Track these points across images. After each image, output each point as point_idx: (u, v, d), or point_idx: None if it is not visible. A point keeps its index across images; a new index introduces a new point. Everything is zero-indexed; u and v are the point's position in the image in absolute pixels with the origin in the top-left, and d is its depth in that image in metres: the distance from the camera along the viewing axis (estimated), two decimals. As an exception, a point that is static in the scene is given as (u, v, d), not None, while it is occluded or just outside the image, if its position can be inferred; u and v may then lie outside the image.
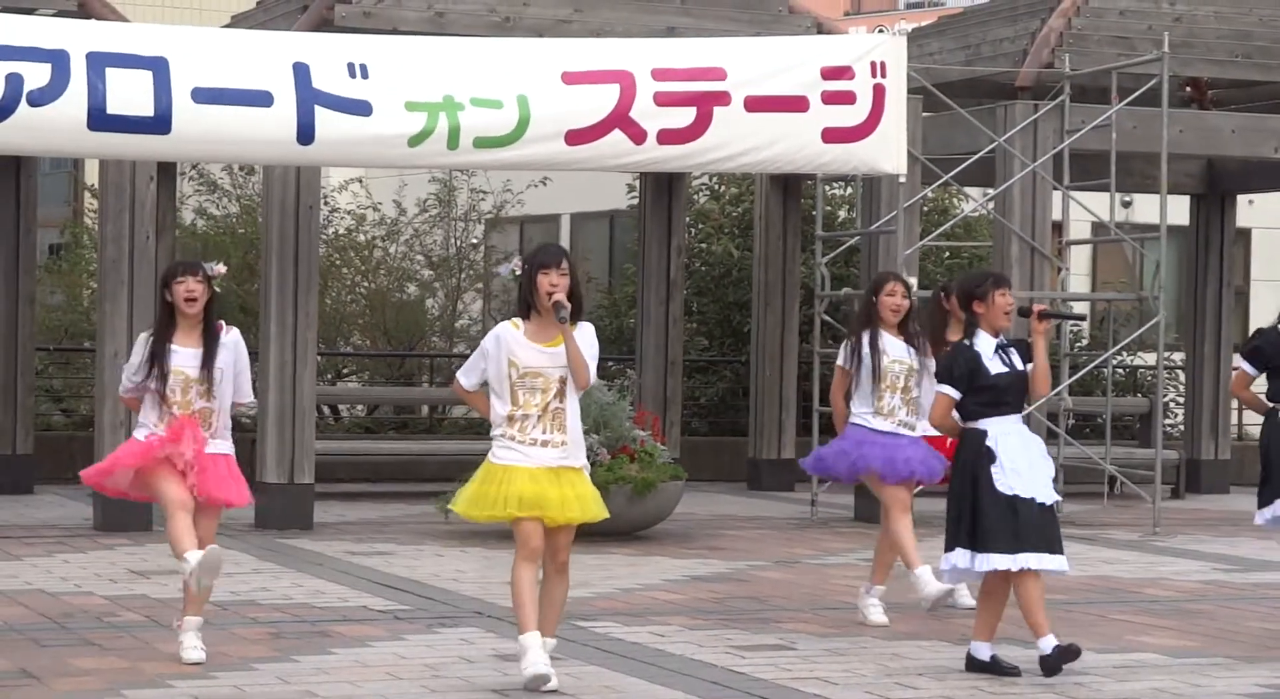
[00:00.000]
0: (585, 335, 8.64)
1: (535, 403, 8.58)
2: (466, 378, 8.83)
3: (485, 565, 13.41)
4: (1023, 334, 10.14)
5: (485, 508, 8.70)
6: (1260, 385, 10.88)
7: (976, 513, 9.27)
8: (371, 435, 21.83)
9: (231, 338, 9.48)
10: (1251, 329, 24.99)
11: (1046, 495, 9.32)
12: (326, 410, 21.38)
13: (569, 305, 8.46)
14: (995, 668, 9.35)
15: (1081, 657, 9.45)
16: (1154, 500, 16.87)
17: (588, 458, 8.94)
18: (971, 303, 9.58)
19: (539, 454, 8.59)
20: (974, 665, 9.43)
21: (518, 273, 8.70)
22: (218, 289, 9.53)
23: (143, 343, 9.42)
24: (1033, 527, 9.27)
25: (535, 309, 8.58)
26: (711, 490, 18.93)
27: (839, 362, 11.36)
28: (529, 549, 8.64)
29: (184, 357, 9.32)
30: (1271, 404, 10.75)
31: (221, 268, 9.64)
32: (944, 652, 9.98)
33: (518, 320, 8.67)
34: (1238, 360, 10.98)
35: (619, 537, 14.51)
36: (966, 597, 11.22)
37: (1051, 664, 9.35)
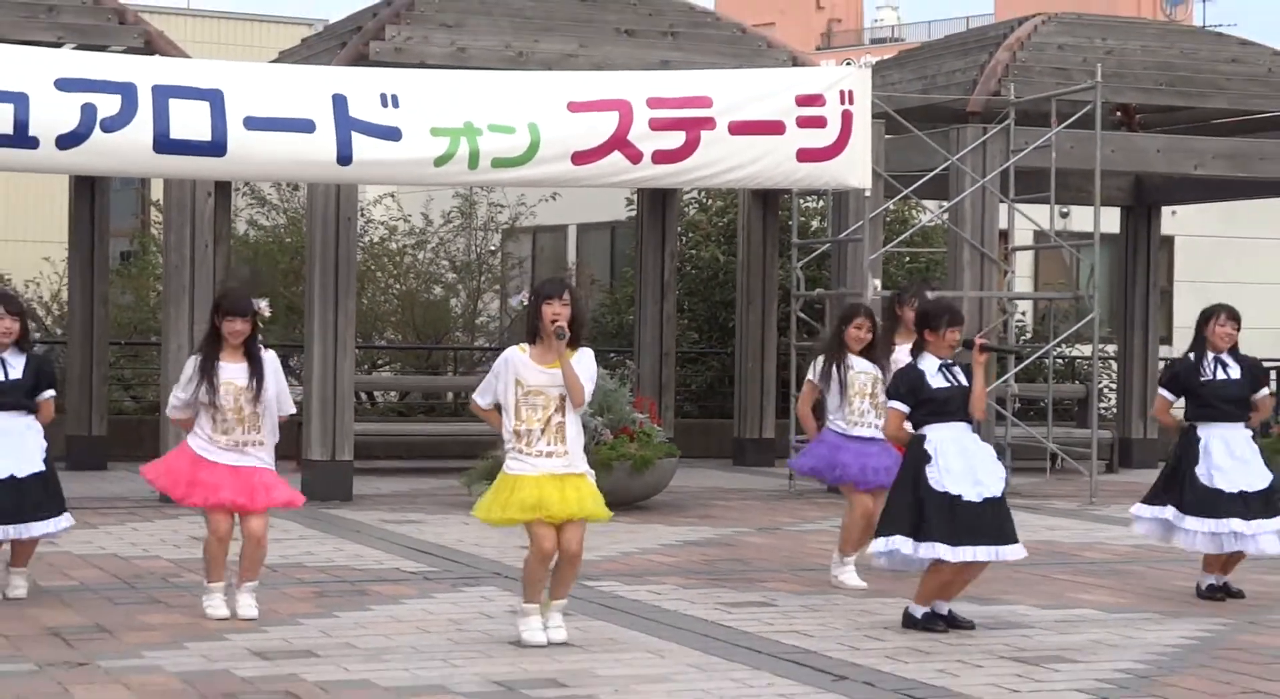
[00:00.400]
0: (584, 360, 8.72)
1: (537, 418, 8.65)
2: (482, 398, 8.87)
3: (503, 533, 13.36)
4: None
5: (497, 513, 8.77)
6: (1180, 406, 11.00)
7: (920, 507, 9.28)
8: (403, 418, 21.85)
9: (270, 361, 9.49)
10: (1174, 326, 25.18)
11: (976, 494, 9.28)
12: (364, 396, 21.37)
13: (569, 331, 8.54)
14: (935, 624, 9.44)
15: (1025, 613, 9.48)
16: (1090, 474, 16.90)
17: (594, 438, 8.98)
18: (924, 330, 9.61)
19: (544, 464, 8.65)
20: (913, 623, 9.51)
21: (525, 303, 8.76)
22: (260, 324, 9.58)
23: (192, 363, 9.44)
24: (969, 522, 9.26)
25: (540, 334, 8.63)
26: (701, 466, 18.93)
27: (809, 376, 11.46)
28: (542, 551, 8.71)
29: (231, 370, 9.36)
30: (1188, 422, 10.82)
31: (267, 310, 9.66)
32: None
33: (525, 345, 8.74)
34: (1160, 389, 11.09)
35: (620, 507, 14.42)
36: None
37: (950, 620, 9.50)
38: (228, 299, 9.67)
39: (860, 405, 11.13)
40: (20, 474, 9.61)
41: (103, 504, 14.62)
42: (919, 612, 9.47)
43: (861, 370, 11.12)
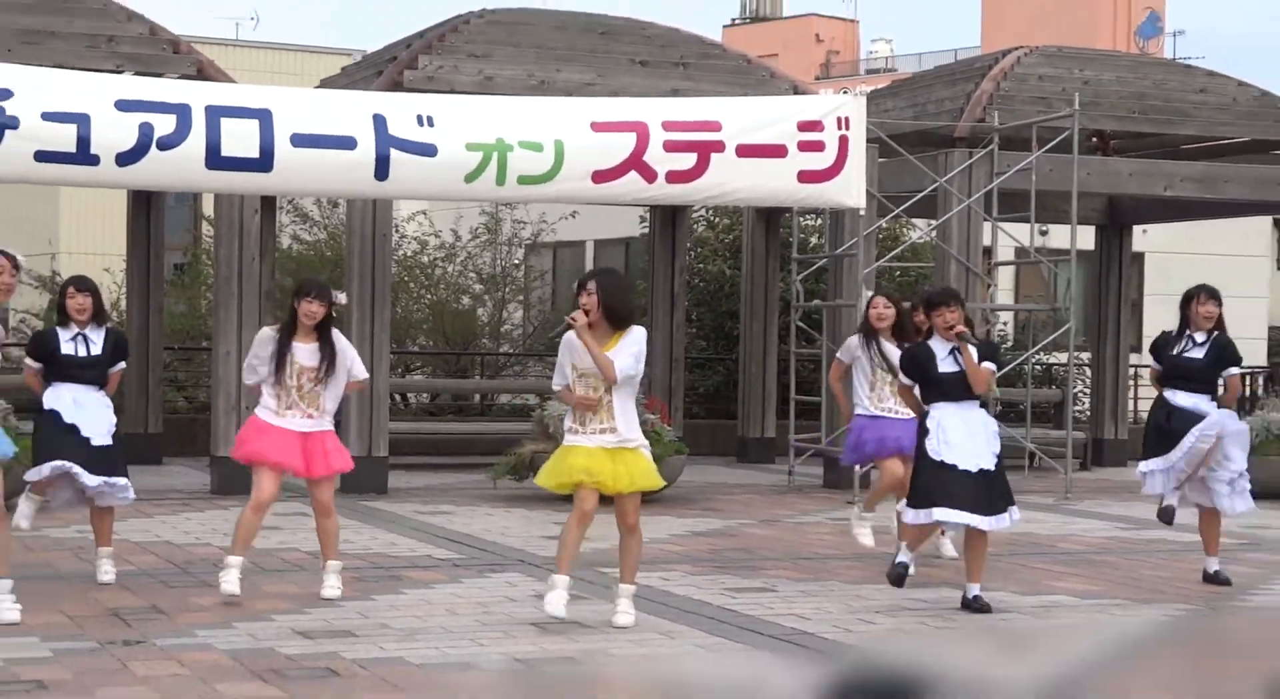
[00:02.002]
0: (628, 340, 8.63)
1: (592, 395, 8.64)
2: (556, 383, 8.88)
3: (526, 523, 13.45)
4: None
5: (553, 477, 8.81)
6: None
7: (938, 479, 9.36)
8: (434, 418, 21.88)
9: (340, 339, 9.57)
10: (1144, 336, 25.18)
11: (973, 464, 9.35)
12: (398, 398, 21.39)
13: (582, 317, 8.50)
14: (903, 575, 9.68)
15: (1004, 600, 9.52)
16: (1065, 472, 16.91)
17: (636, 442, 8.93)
18: (929, 312, 9.68)
19: (597, 439, 8.65)
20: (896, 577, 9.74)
21: (343, 301, 8.84)
22: (336, 313, 9.65)
23: (268, 339, 9.49)
24: (964, 488, 9.32)
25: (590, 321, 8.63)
26: (708, 463, 18.95)
27: (838, 354, 11.72)
28: (581, 511, 8.70)
29: (303, 352, 9.41)
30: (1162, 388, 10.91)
31: (343, 299, 9.74)
32: (898, 593, 10.01)
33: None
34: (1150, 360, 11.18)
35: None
36: (949, 548, 11.32)
37: (968, 605, 9.54)
38: (309, 282, 9.73)
39: (881, 391, 11.27)
40: (91, 443, 9.61)
41: (158, 496, 14.67)
42: (902, 557, 9.69)
43: (890, 354, 11.15)
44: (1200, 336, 10.73)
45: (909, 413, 10.74)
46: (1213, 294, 10.82)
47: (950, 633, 9.08)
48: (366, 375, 9.95)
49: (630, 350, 8.59)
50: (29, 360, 9.86)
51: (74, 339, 9.71)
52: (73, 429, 9.53)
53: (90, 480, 9.54)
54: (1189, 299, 10.81)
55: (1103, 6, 51.24)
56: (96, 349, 9.76)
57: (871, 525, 11.51)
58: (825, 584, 10.61)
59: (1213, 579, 10.80)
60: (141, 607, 9.17)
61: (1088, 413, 21.94)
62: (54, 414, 9.55)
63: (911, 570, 9.84)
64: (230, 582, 9.27)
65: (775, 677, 7.86)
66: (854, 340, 11.60)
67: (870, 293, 13.24)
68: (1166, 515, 10.87)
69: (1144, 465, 10.85)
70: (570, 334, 8.62)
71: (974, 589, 9.57)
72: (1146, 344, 12.89)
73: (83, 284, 10.03)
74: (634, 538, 8.87)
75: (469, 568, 11.02)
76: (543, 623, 8.85)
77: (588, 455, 8.63)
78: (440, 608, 9.41)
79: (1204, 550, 10.94)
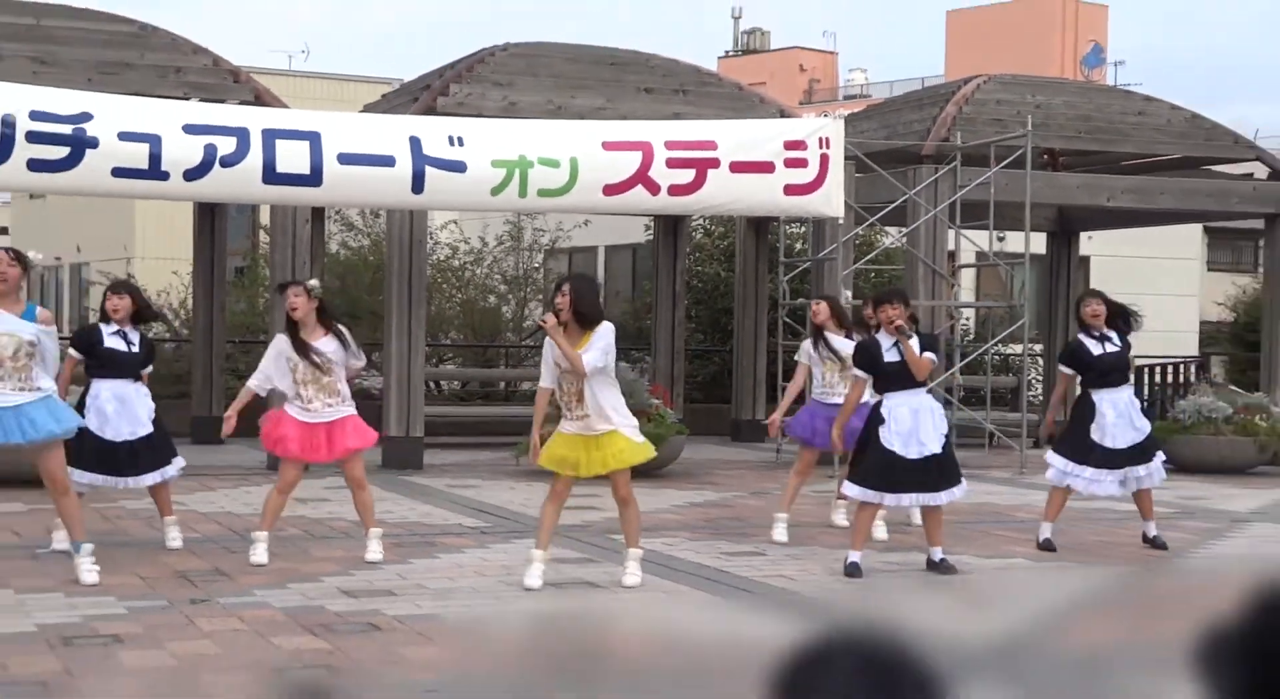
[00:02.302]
0: (597, 335, 8.49)
1: (573, 389, 8.55)
2: (543, 379, 8.77)
3: (544, 496, 13.43)
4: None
5: (545, 459, 8.75)
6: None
7: (875, 461, 9.30)
8: (464, 403, 21.88)
9: (329, 336, 9.45)
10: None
11: (918, 453, 9.27)
12: (432, 385, 21.37)
13: (552, 317, 8.41)
14: (856, 572, 9.37)
15: (968, 562, 9.47)
16: (1021, 450, 16.87)
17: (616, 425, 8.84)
18: (876, 309, 9.62)
19: (575, 426, 8.59)
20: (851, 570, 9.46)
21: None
22: (320, 298, 9.53)
23: (279, 353, 9.44)
24: (910, 474, 9.24)
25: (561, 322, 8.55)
26: (705, 442, 18.92)
27: (798, 358, 11.61)
28: (553, 492, 8.79)
29: (315, 346, 9.37)
30: (1083, 389, 10.80)
31: (314, 283, 9.68)
32: (870, 557, 9.99)
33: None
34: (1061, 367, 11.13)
35: (639, 475, 14.44)
36: (919, 517, 11.28)
37: (934, 567, 9.48)
38: (285, 281, 9.76)
39: (830, 378, 11.17)
40: (134, 437, 9.58)
41: (220, 471, 14.68)
42: (851, 558, 9.42)
43: (840, 347, 11.08)
44: (1112, 337, 10.66)
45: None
46: (1097, 295, 10.86)
47: (917, 589, 9.05)
48: (364, 361, 9.88)
49: (597, 347, 8.45)
50: (71, 351, 9.74)
51: (115, 334, 9.68)
52: (106, 442, 9.43)
53: (118, 484, 9.62)
54: (1079, 304, 10.84)
55: (1052, 39, 51.14)
56: (135, 346, 9.74)
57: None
58: (808, 548, 10.58)
59: (1151, 543, 10.77)
60: (206, 569, 9.17)
61: (1040, 397, 21.90)
62: (87, 427, 9.34)
63: (860, 567, 9.58)
64: (258, 554, 9.31)
65: (761, 626, 7.85)
66: (806, 344, 11.53)
67: (848, 293, 13.20)
68: (1049, 546, 10.67)
69: (1070, 468, 10.64)
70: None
71: (937, 553, 9.53)
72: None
73: (119, 287, 10.06)
74: (629, 508, 8.83)
75: (495, 535, 11.02)
76: (558, 583, 8.84)
77: (567, 445, 8.58)
78: (470, 570, 9.40)
79: (1141, 517, 10.90)
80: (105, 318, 9.76)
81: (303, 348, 9.32)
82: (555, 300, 8.58)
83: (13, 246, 8.64)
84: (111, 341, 9.64)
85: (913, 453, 9.21)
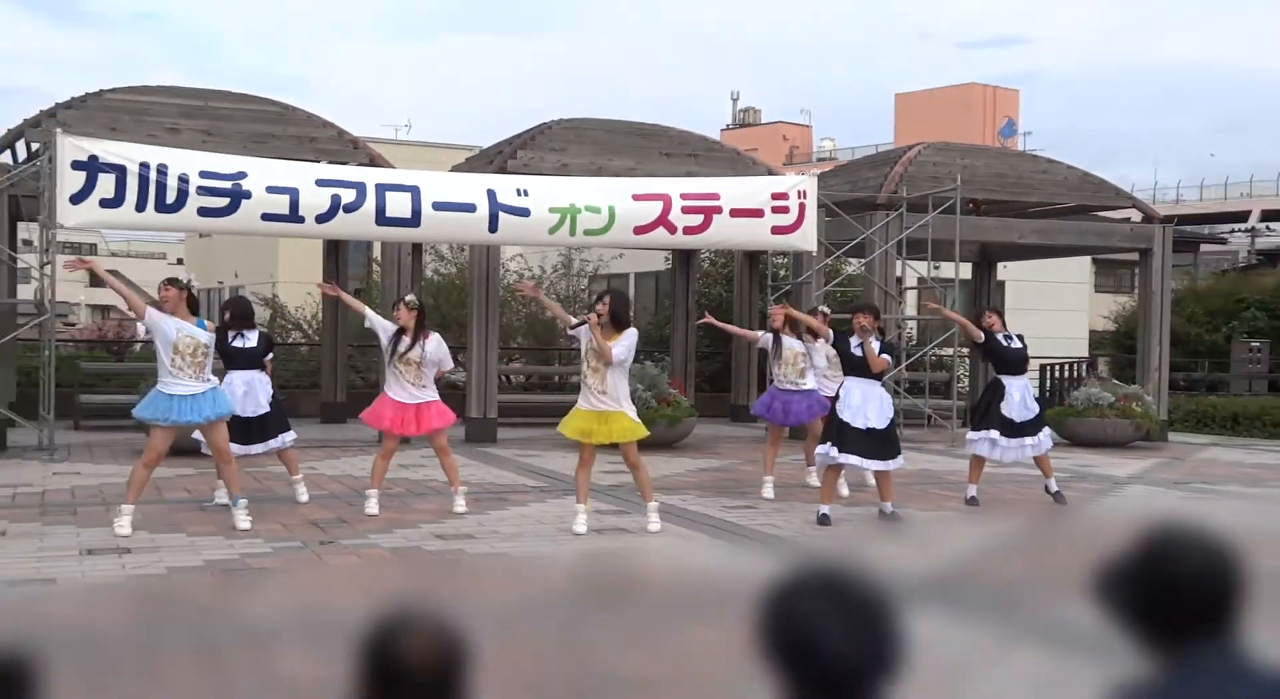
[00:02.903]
0: (625, 337, 8.52)
1: (594, 371, 8.54)
2: (573, 325, 8.72)
3: (577, 464, 13.39)
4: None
5: (566, 429, 8.69)
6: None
7: (839, 429, 9.24)
8: (527, 392, 21.85)
9: (433, 338, 9.45)
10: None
11: (864, 423, 9.20)
12: (503, 378, 21.37)
13: (595, 318, 8.45)
14: (826, 522, 9.35)
15: (911, 513, 9.40)
16: (951, 428, 16.81)
17: (645, 404, 8.88)
18: (853, 316, 9.57)
19: (592, 402, 8.56)
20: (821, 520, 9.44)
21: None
22: (418, 309, 9.49)
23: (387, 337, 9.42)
24: (855, 441, 9.19)
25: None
26: (710, 423, 18.90)
27: (760, 334, 11.49)
28: (581, 460, 8.74)
29: (410, 347, 9.37)
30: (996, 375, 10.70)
31: (409, 297, 9.65)
32: (839, 510, 9.96)
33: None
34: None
35: (660, 448, 14.50)
36: (870, 479, 11.20)
37: (884, 517, 9.42)
38: (401, 298, 9.71)
39: (785, 369, 11.04)
40: (254, 415, 9.60)
41: (344, 444, 14.70)
42: (821, 510, 9.41)
43: (789, 347, 11.02)
44: (1016, 337, 10.61)
45: (806, 386, 10.79)
46: (996, 310, 10.76)
47: (872, 534, 9.00)
48: (451, 365, 9.86)
49: (624, 344, 8.52)
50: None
51: (236, 337, 9.73)
52: (237, 418, 9.31)
53: (245, 451, 9.54)
54: (980, 314, 10.77)
55: (976, 115, 50.91)
56: (251, 344, 9.75)
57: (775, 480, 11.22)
58: (789, 504, 10.54)
59: (1054, 497, 10.69)
60: (331, 519, 9.19)
61: (966, 388, 21.79)
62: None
63: (830, 517, 9.57)
64: (371, 506, 9.34)
65: (753, 561, 7.81)
66: (767, 336, 11.37)
67: (826, 308, 13.12)
68: (974, 502, 10.55)
69: (982, 436, 10.47)
70: (586, 326, 8.58)
71: (888, 506, 9.48)
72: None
73: (233, 306, 10.06)
74: (639, 471, 8.81)
75: (551, 493, 11.00)
76: (600, 530, 8.83)
77: (584, 418, 8.55)
78: (532, 519, 9.39)
79: (1043, 475, 10.81)
80: (226, 325, 9.81)
81: (407, 347, 9.32)
82: (598, 306, 8.59)
83: (177, 277, 8.68)
84: (235, 341, 9.72)
85: (859, 423, 9.20)
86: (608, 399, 8.53)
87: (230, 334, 9.67)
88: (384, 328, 9.41)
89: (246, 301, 10.40)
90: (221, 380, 9.58)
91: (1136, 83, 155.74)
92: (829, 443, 9.29)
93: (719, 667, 4.64)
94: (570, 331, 8.77)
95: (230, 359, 9.66)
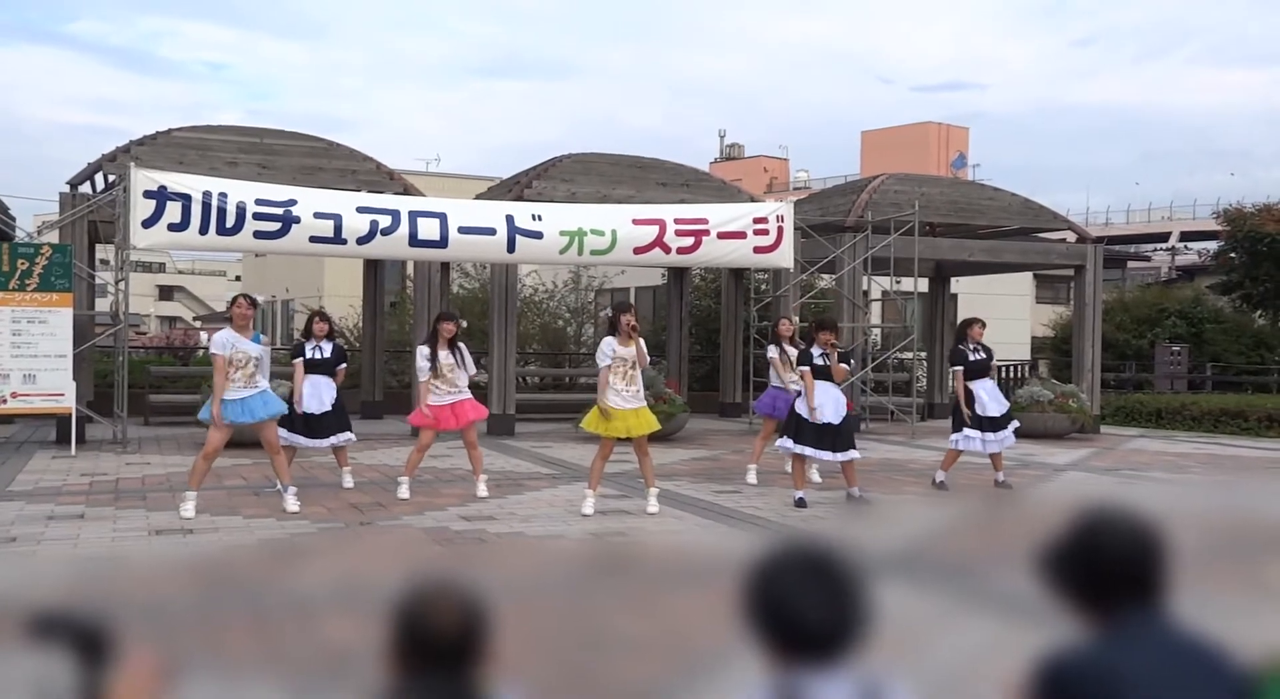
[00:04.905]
0: (641, 341, 8.63)
1: (624, 374, 8.56)
2: (601, 360, 8.67)
3: (596, 453, 13.37)
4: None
5: (602, 427, 8.61)
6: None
7: (795, 423, 9.23)
8: (541, 391, 21.81)
9: (464, 348, 9.47)
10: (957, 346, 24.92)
11: (820, 420, 9.18)
12: (520, 379, 21.34)
13: (639, 327, 8.50)
14: (802, 504, 9.33)
15: (877, 496, 9.38)
16: (911, 422, 16.78)
17: (645, 402, 8.84)
18: (817, 332, 9.54)
19: (631, 402, 8.57)
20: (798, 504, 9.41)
21: (608, 314, 8.77)
22: (464, 324, 9.58)
23: (423, 354, 9.40)
24: (809, 434, 9.18)
25: (619, 329, 8.55)
26: (701, 418, 18.88)
27: (769, 352, 11.44)
28: (607, 449, 8.70)
29: (445, 355, 9.36)
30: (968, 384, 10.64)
31: (464, 323, 9.70)
32: (814, 494, 9.94)
33: (610, 336, 8.65)
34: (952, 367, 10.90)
35: (658, 440, 14.48)
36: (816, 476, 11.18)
37: (852, 500, 9.39)
38: (445, 312, 9.73)
39: (784, 373, 11.09)
40: (319, 413, 9.63)
41: (379, 437, 14.68)
42: (797, 495, 9.40)
43: (787, 353, 11.06)
44: (980, 348, 10.57)
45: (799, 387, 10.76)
46: (979, 321, 10.68)
47: (842, 515, 8.98)
48: (476, 371, 9.86)
49: (644, 349, 8.60)
50: (296, 360, 9.81)
51: (313, 348, 9.75)
52: (305, 416, 9.54)
53: (310, 444, 9.60)
54: (968, 324, 10.64)
55: (931, 149, 50.90)
56: (326, 354, 9.79)
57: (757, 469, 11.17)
58: (770, 488, 10.52)
59: (1001, 485, 10.68)
60: (370, 502, 9.17)
61: (924, 387, 21.78)
62: (293, 410, 9.54)
63: (805, 500, 9.53)
64: (403, 492, 9.33)
65: (739, 539, 7.80)
66: (774, 348, 11.39)
67: (796, 318, 13.13)
68: (943, 487, 10.54)
69: (969, 433, 10.43)
70: (610, 337, 8.56)
71: (855, 490, 9.47)
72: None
73: (324, 316, 10.05)
74: (647, 458, 8.82)
75: (562, 480, 10.98)
76: (604, 512, 8.81)
77: (623, 417, 8.54)
78: (545, 503, 9.37)
79: (994, 468, 10.80)
80: (308, 335, 9.82)
81: (444, 355, 9.34)
82: (630, 317, 8.51)
83: (248, 293, 8.73)
84: (310, 353, 9.74)
85: (815, 419, 9.20)
86: (640, 395, 8.62)
87: (309, 345, 9.73)
88: (420, 354, 9.39)
89: (329, 319, 10.37)
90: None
91: (1071, 122, 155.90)
92: (785, 435, 9.33)
93: (707, 628, 4.64)
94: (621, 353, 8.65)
95: (308, 366, 9.72)
